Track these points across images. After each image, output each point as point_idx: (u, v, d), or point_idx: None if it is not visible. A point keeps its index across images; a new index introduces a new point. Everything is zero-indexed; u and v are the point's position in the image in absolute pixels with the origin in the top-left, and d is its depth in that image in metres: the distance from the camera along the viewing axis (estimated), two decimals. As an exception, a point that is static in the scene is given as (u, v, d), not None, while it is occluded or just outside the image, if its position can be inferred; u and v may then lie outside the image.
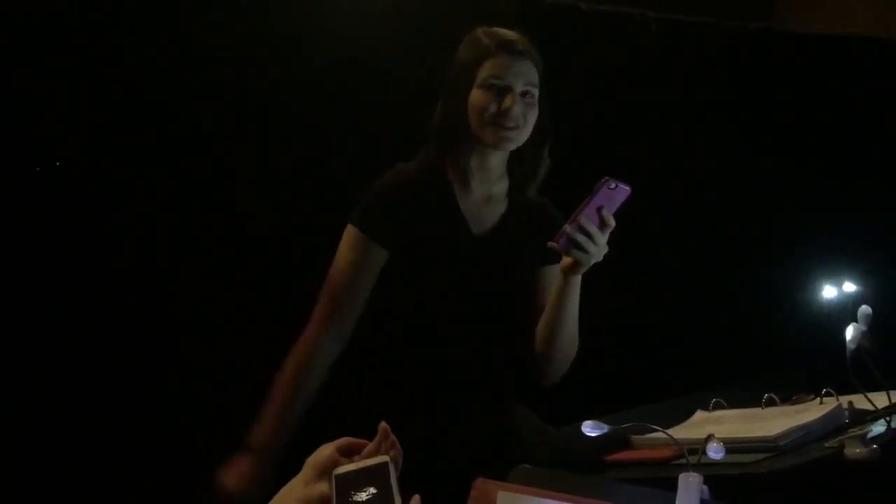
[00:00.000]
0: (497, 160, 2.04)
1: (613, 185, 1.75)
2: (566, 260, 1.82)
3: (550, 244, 1.80)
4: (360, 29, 2.70)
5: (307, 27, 2.65)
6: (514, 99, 1.94)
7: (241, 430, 1.97)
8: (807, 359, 2.27)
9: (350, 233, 2.02)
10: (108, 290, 2.47)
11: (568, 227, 1.76)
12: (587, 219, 1.75)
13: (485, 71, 1.96)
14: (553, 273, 1.99)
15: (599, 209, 1.76)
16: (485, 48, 1.98)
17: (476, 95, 1.96)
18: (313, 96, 2.65)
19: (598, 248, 1.78)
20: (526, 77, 1.97)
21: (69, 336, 2.43)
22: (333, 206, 2.10)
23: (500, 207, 2.07)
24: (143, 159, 2.51)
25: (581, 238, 1.76)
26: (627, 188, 1.75)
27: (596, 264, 1.81)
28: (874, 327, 1.70)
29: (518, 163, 2.06)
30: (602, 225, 1.76)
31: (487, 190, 2.06)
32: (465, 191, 2.04)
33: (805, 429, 1.63)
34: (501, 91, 1.95)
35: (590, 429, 1.42)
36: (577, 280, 1.87)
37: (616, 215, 1.77)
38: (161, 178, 2.53)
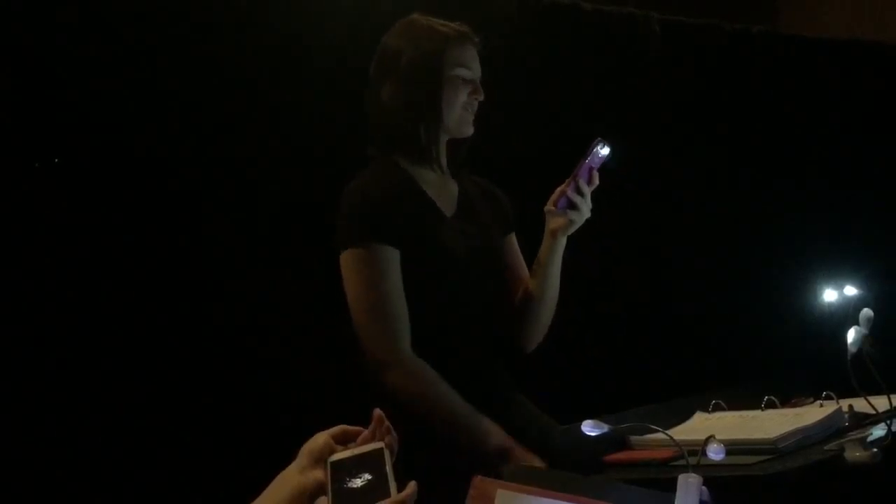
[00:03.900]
0: (445, 144, 2.08)
1: (603, 146, 1.88)
2: (559, 221, 1.94)
3: (548, 208, 1.93)
4: (361, 26, 2.69)
5: (308, 22, 2.64)
6: (480, 90, 2.03)
7: (240, 430, 1.96)
8: (807, 362, 2.27)
9: (355, 256, 1.91)
10: (108, 289, 2.46)
11: (568, 190, 1.90)
12: (582, 180, 1.90)
13: (451, 62, 2.00)
14: (512, 241, 2.12)
15: (591, 170, 1.90)
16: (443, 38, 2.01)
17: (451, 88, 2.00)
18: (315, 91, 2.64)
19: (588, 207, 1.92)
20: (479, 67, 2.05)
21: (69, 336, 2.41)
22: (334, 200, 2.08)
23: (453, 187, 2.10)
24: (141, 157, 2.50)
25: (578, 199, 1.90)
26: (609, 148, 1.89)
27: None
28: (875, 331, 1.69)
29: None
30: (590, 183, 1.91)
31: (439, 173, 2.07)
32: (424, 177, 2.05)
33: (805, 431, 1.62)
34: (471, 83, 2.02)
35: (590, 428, 1.43)
36: (565, 240, 1.98)
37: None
38: (162, 177, 2.52)
